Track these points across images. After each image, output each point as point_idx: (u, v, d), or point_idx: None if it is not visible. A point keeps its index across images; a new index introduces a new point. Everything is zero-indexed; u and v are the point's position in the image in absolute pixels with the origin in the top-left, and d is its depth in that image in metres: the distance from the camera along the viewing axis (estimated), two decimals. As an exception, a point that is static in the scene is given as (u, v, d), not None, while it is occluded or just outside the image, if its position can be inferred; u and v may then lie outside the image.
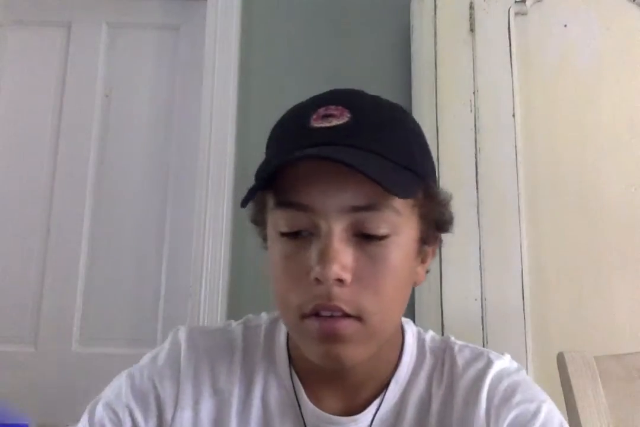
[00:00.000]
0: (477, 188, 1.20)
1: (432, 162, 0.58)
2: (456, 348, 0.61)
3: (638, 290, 1.16)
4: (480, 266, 1.16)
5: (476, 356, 0.60)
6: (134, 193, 1.65)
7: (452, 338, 0.63)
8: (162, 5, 1.74)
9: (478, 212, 1.18)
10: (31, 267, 1.63)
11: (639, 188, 1.22)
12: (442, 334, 1.15)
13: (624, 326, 1.14)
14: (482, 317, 1.14)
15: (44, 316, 1.61)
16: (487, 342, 1.13)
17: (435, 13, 1.30)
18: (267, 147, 0.58)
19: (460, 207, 1.21)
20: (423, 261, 0.57)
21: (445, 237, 0.59)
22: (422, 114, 1.33)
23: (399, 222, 0.51)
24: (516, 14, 1.29)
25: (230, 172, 1.53)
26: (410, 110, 1.43)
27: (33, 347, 1.60)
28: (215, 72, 1.58)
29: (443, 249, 1.14)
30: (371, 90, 0.56)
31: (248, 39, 1.63)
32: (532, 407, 0.55)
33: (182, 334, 0.62)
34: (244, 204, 0.50)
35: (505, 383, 0.57)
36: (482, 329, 1.13)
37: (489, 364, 0.59)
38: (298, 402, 0.57)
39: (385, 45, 1.58)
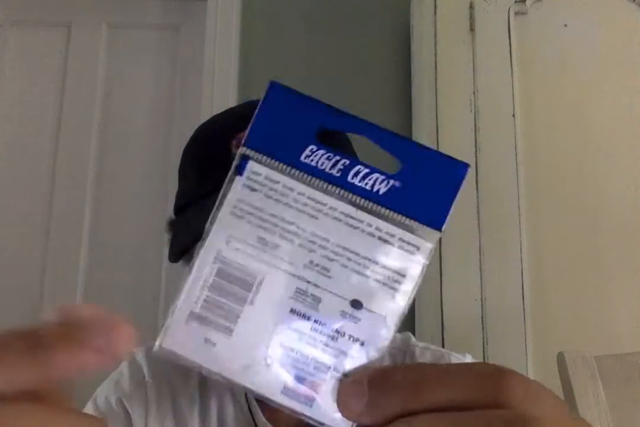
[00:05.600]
0: (477, 188, 1.20)
1: None
2: (417, 351, 0.61)
3: (638, 290, 1.16)
4: (480, 266, 1.16)
5: (438, 360, 0.60)
6: (134, 193, 1.65)
7: (413, 339, 0.63)
8: (162, 5, 1.74)
9: (478, 212, 1.18)
10: (31, 267, 1.63)
11: (639, 188, 1.22)
12: (443, 336, 1.15)
13: (624, 326, 1.14)
14: (482, 317, 1.14)
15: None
16: (487, 343, 1.13)
17: (435, 13, 1.30)
18: (184, 171, 0.58)
19: (460, 207, 1.21)
20: None
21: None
22: (422, 114, 1.33)
23: None
24: (516, 14, 1.29)
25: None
26: (410, 110, 1.44)
27: (33, 347, 1.60)
28: (215, 72, 1.58)
29: (443, 249, 1.14)
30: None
31: (248, 39, 1.62)
32: None
33: (141, 357, 0.62)
34: (176, 259, 0.52)
35: None
36: (482, 329, 1.13)
37: None
38: (253, 418, 0.58)
39: (385, 45, 1.58)
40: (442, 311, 1.15)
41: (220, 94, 1.57)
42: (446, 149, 1.23)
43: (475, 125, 1.23)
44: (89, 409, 0.60)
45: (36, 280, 1.62)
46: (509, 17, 1.28)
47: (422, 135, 1.31)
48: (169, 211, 0.66)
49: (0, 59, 1.73)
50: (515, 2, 1.29)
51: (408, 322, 1.28)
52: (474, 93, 1.25)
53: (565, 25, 1.29)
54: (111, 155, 1.68)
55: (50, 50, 1.74)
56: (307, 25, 1.62)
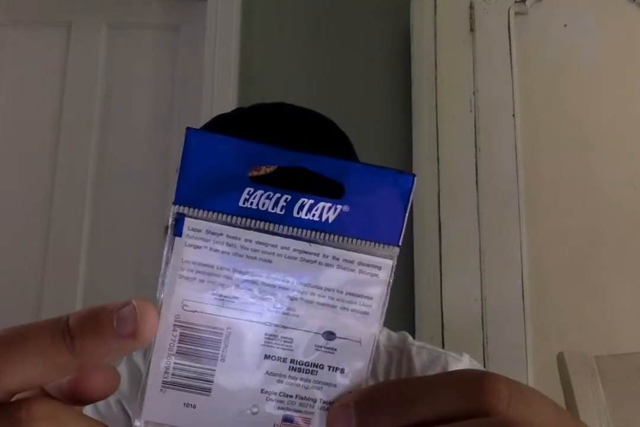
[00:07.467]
0: (477, 188, 1.20)
1: None
2: (414, 350, 0.61)
3: (638, 290, 1.16)
4: (480, 266, 1.16)
5: (434, 359, 0.60)
6: (134, 193, 1.65)
7: (410, 339, 0.63)
8: (162, 5, 1.74)
9: (478, 212, 1.18)
10: (31, 267, 1.63)
11: (639, 188, 1.22)
12: (443, 336, 1.15)
13: (624, 326, 1.14)
14: (482, 317, 1.14)
15: (44, 316, 1.61)
16: (487, 343, 1.13)
17: (435, 13, 1.30)
18: None
19: (460, 207, 1.22)
20: None
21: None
22: (422, 114, 1.33)
23: None
24: (516, 14, 1.29)
25: (230, 172, 1.53)
26: (410, 110, 1.43)
27: (33, 347, 1.60)
28: (215, 72, 1.58)
29: (443, 249, 1.14)
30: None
31: (248, 39, 1.63)
32: None
33: (139, 358, 0.63)
34: None
35: None
36: (482, 329, 1.14)
37: (446, 368, 0.58)
38: None
39: (384, 45, 1.57)
40: (442, 311, 1.15)
41: (221, 94, 1.57)
42: (446, 149, 1.23)
43: (475, 125, 1.23)
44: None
45: (36, 280, 1.62)
46: (509, 17, 1.28)
47: (422, 135, 1.31)
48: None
49: (0, 59, 1.73)
50: (515, 2, 1.29)
51: (408, 322, 1.28)
52: (474, 93, 1.25)
53: (565, 25, 1.29)
54: (111, 155, 1.68)
55: (50, 50, 1.74)
56: (307, 25, 1.62)
